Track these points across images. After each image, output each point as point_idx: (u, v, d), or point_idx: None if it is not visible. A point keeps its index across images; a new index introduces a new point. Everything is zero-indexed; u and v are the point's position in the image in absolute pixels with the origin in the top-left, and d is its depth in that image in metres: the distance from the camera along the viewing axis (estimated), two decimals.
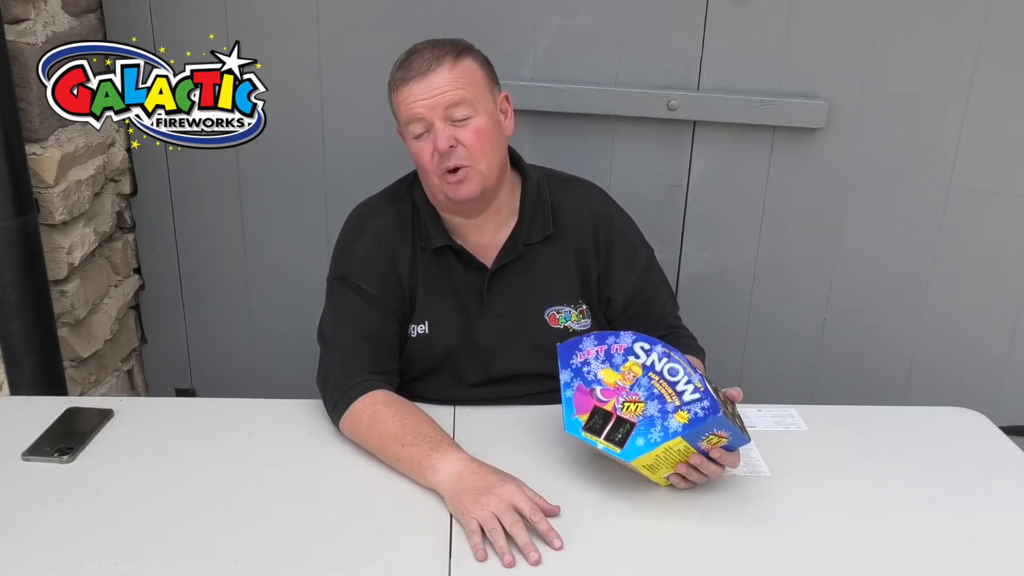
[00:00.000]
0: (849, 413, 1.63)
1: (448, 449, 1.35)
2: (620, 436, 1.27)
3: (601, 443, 1.28)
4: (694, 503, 1.33)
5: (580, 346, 1.34)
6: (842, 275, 2.32)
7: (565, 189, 1.64)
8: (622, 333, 1.33)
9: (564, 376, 1.33)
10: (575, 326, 1.61)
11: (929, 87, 2.15)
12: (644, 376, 1.29)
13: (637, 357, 1.30)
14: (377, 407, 1.43)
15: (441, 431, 1.41)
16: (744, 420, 1.35)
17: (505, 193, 1.58)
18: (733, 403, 1.34)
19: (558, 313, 1.61)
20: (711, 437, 1.27)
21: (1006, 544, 1.29)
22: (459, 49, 1.49)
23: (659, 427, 1.26)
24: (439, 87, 1.45)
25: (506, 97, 1.57)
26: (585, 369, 1.32)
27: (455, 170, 1.48)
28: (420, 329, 1.59)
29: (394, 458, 1.39)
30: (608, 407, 1.29)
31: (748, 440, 1.32)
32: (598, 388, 1.30)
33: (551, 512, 1.28)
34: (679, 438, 1.25)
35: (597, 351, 1.33)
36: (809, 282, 2.33)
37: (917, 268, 2.30)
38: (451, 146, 1.46)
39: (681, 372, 1.28)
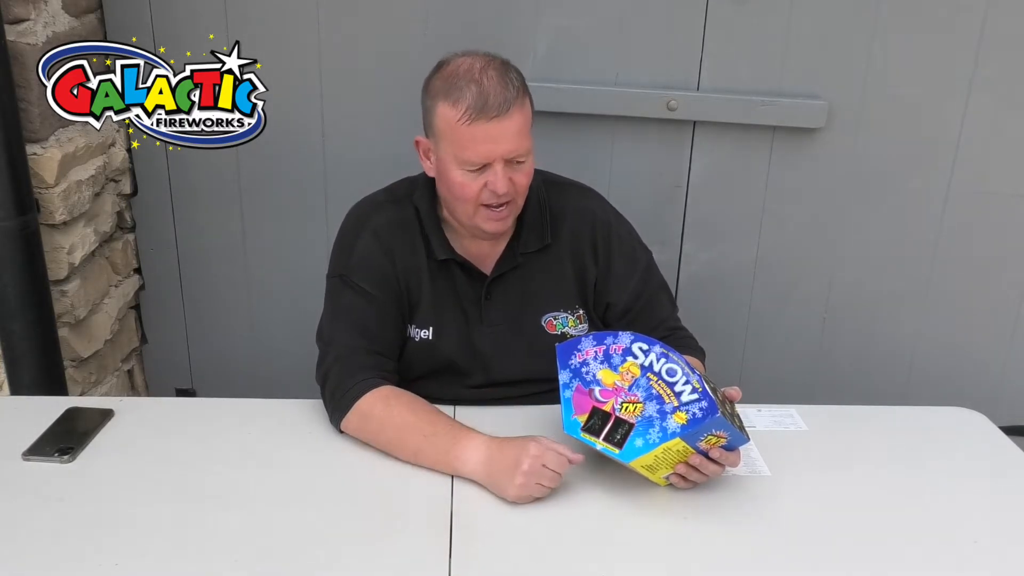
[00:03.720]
0: (849, 413, 1.63)
1: (468, 435, 1.38)
2: (619, 437, 1.28)
3: (600, 444, 1.29)
4: (694, 503, 1.33)
5: (579, 346, 1.34)
6: (842, 275, 2.32)
7: (563, 194, 1.64)
8: (620, 333, 1.33)
9: (563, 377, 1.33)
10: (572, 331, 1.61)
11: (929, 87, 2.15)
12: (643, 376, 1.29)
13: (635, 357, 1.31)
14: (389, 401, 1.44)
15: (451, 419, 1.44)
16: (744, 420, 1.36)
17: None
18: (732, 403, 1.34)
19: (555, 319, 1.61)
20: (710, 437, 1.27)
21: (1006, 544, 1.29)
22: (522, 86, 1.48)
23: (657, 428, 1.26)
24: (511, 134, 1.44)
25: None
26: (584, 369, 1.32)
27: (499, 205, 1.49)
28: (424, 334, 1.59)
29: (415, 450, 1.40)
30: (607, 408, 1.29)
31: (747, 440, 1.32)
32: (597, 389, 1.31)
33: (575, 461, 1.32)
34: (678, 439, 1.25)
35: (596, 351, 1.33)
36: (809, 282, 2.33)
37: (917, 268, 2.30)
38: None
39: (679, 373, 1.28)
